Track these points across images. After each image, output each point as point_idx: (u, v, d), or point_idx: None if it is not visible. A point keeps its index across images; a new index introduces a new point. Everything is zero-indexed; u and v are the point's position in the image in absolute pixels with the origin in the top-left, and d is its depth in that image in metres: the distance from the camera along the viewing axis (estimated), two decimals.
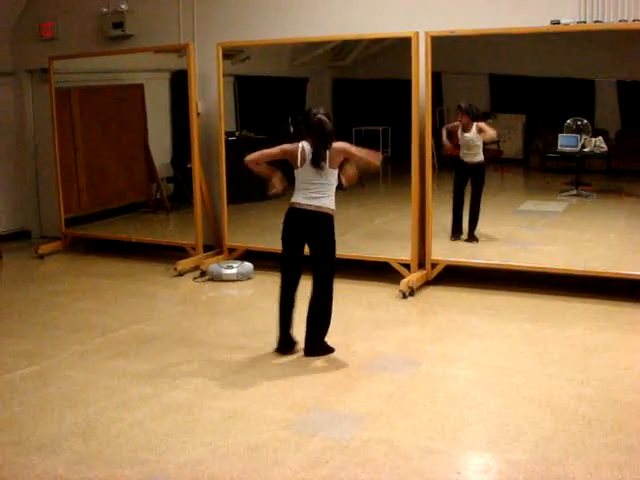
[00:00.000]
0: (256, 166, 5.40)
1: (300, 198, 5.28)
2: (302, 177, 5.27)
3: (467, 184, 8.32)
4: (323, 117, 5.22)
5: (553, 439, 4.11)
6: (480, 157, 8.28)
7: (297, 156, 5.25)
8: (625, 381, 4.93)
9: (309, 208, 5.25)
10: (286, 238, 5.39)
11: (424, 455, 3.95)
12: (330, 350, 5.46)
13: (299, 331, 5.51)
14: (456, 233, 8.27)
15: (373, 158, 5.40)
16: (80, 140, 9.62)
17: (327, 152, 5.19)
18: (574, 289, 6.90)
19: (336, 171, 5.30)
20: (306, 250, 5.44)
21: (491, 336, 5.89)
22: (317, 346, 5.43)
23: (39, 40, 9.65)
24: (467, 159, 8.27)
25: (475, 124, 8.28)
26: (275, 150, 5.35)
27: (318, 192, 5.25)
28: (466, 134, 8.27)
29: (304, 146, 5.25)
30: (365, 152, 5.35)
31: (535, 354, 5.46)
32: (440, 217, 7.67)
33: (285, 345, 5.51)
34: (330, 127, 5.23)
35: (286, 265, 5.49)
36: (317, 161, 5.18)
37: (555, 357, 5.39)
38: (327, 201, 5.28)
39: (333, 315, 6.05)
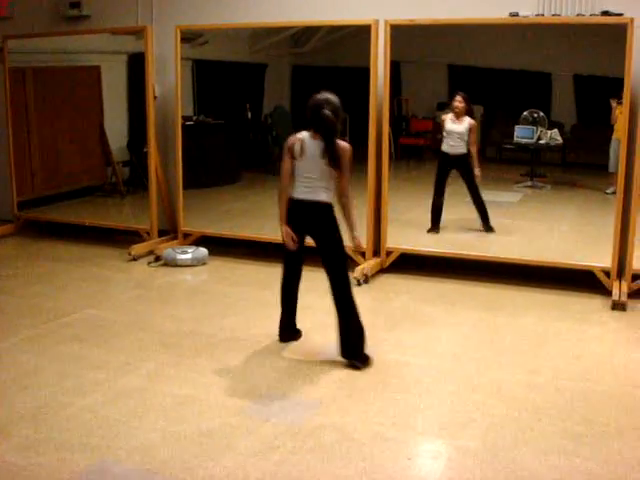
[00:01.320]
0: (285, 190, 5.11)
1: (299, 192, 5.04)
2: (301, 169, 5.02)
3: (449, 175, 8.22)
4: (328, 112, 4.87)
5: (503, 426, 4.16)
6: (464, 149, 8.10)
7: (295, 148, 5.00)
8: (575, 370, 5.01)
9: (308, 200, 5.02)
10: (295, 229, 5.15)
11: (375, 441, 3.98)
12: (367, 359, 5.09)
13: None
14: (434, 227, 8.18)
15: (348, 193, 5.11)
16: (34, 122, 9.47)
17: (334, 147, 4.91)
18: (527, 279, 6.98)
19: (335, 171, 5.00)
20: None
21: (444, 324, 5.94)
22: (358, 352, 5.07)
23: None
24: (452, 151, 8.12)
25: (468, 118, 8.11)
26: (284, 163, 5.09)
27: (317, 186, 5.00)
28: (456, 126, 8.10)
29: (304, 137, 5.00)
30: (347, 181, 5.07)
31: (487, 342, 5.52)
32: (396, 205, 7.69)
33: (285, 333, 5.47)
34: (335, 122, 4.90)
35: (288, 258, 5.30)
36: (329, 156, 4.91)
37: (507, 345, 5.46)
38: (325, 195, 5.01)
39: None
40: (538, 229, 8.57)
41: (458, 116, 8.08)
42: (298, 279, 5.39)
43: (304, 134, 5.03)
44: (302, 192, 5.04)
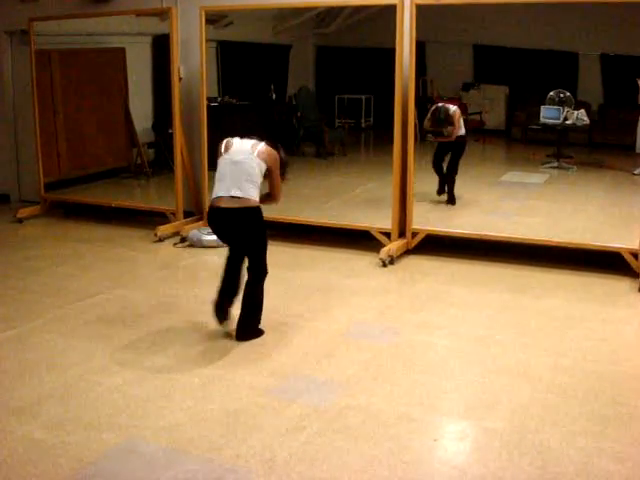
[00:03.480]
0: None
1: (218, 195, 4.99)
2: (220, 167, 5.07)
3: (446, 155, 8.46)
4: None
5: (529, 408, 4.15)
6: (462, 130, 8.37)
7: (221, 145, 5.13)
8: (601, 352, 4.98)
9: (227, 206, 4.95)
10: (216, 234, 5.31)
11: (401, 422, 3.98)
12: (260, 333, 5.22)
13: None
14: (441, 192, 8.67)
15: (278, 195, 5.16)
16: (60, 104, 9.52)
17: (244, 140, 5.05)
18: (553, 260, 6.93)
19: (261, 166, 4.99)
20: None
21: (470, 306, 5.92)
22: (247, 332, 5.17)
23: (19, 1, 9.49)
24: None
25: (454, 108, 8.54)
26: None
27: (235, 186, 4.94)
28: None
29: (232, 139, 5.11)
30: (279, 185, 5.12)
31: (513, 324, 5.50)
32: (421, 186, 7.67)
33: (219, 314, 5.21)
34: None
35: (227, 256, 5.28)
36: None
37: (533, 327, 5.43)
38: (248, 193, 4.95)
39: (313, 282, 6.10)
40: (564, 210, 8.53)
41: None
42: (241, 263, 5.20)
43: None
44: (221, 196, 5.01)
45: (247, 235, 5.11)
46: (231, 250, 5.26)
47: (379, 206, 7.86)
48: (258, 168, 4.96)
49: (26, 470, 3.53)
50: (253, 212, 5.00)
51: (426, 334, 5.29)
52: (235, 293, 5.23)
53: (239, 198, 4.92)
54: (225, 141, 5.12)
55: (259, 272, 5.17)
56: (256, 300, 5.19)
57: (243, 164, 4.95)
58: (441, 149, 8.60)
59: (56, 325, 5.48)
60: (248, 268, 5.16)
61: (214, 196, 5.03)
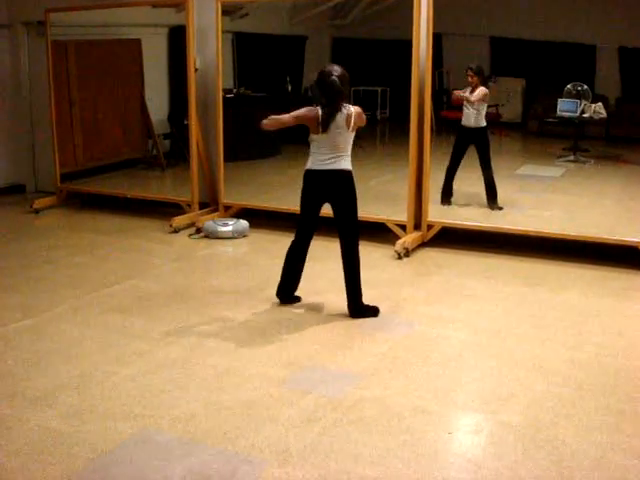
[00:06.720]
0: (269, 129, 5.46)
1: (318, 163, 5.29)
2: (323, 143, 5.25)
3: (466, 149, 8.20)
4: (335, 79, 5.13)
5: (544, 402, 4.13)
6: (483, 122, 8.12)
7: (316, 122, 5.21)
8: (617, 346, 4.95)
9: (328, 168, 5.27)
10: (306, 200, 5.45)
11: (416, 414, 3.98)
12: (375, 312, 5.47)
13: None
14: (446, 198, 8.24)
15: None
16: (76, 94, 9.55)
17: (340, 115, 5.16)
18: (570, 254, 6.90)
19: (353, 134, 5.30)
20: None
21: (485, 299, 5.90)
22: (358, 306, 5.44)
23: None
24: (468, 123, 8.14)
25: (481, 88, 8.09)
26: (288, 118, 5.32)
27: (336, 156, 5.26)
28: (470, 96, 8.06)
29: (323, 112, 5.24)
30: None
31: (529, 317, 5.48)
32: (437, 179, 7.65)
33: (283, 295, 5.67)
34: (338, 89, 5.14)
35: (303, 225, 5.53)
36: (325, 125, 5.16)
37: (549, 321, 5.41)
38: (344, 163, 5.30)
39: (328, 274, 6.10)
40: (581, 204, 8.49)
41: (474, 89, 8.09)
42: (307, 246, 5.56)
43: (321, 109, 5.24)
44: (325, 163, 5.28)
45: (343, 193, 5.34)
46: (303, 230, 5.52)
47: (394, 198, 7.84)
48: (350, 138, 5.30)
49: (42, 459, 3.55)
50: (348, 174, 5.33)
51: (441, 327, 5.28)
52: (299, 279, 5.64)
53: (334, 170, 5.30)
54: (315, 116, 5.22)
55: (354, 234, 5.44)
56: (358, 267, 5.46)
57: (337, 140, 5.23)
58: (462, 140, 8.25)
59: (72, 315, 5.50)
60: (342, 233, 5.44)
61: (311, 167, 5.33)
